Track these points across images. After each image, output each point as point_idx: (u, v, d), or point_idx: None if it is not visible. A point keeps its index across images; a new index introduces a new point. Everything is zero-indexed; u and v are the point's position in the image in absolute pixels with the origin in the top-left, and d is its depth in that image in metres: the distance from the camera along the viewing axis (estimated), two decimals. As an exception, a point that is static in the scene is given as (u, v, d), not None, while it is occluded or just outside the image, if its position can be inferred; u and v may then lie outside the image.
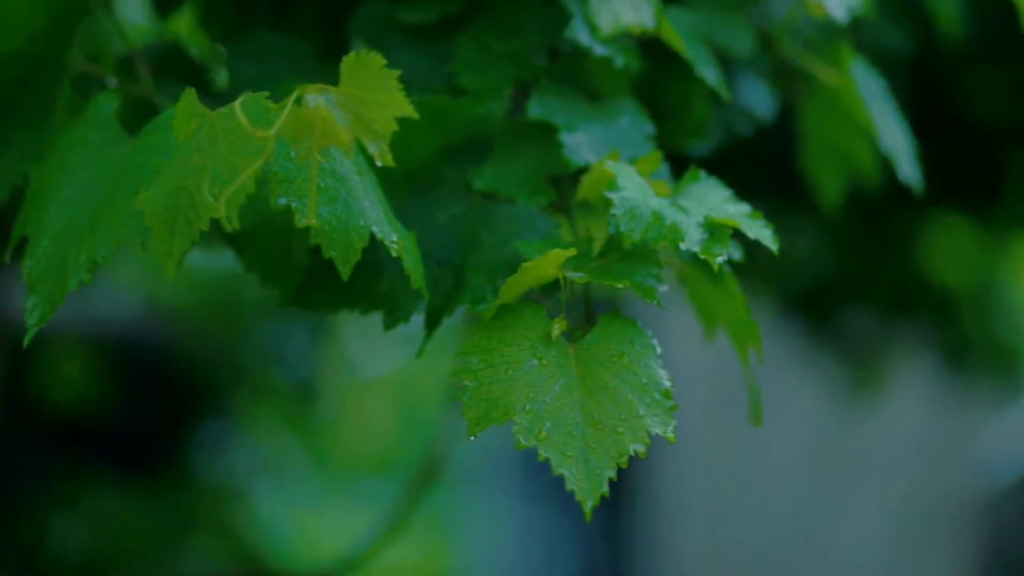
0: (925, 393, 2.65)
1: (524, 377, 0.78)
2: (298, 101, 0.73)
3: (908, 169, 1.05)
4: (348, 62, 0.73)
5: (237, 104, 0.73)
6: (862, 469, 3.27)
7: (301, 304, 0.86)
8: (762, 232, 0.83)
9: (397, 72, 0.73)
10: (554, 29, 0.91)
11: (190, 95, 0.75)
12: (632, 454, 0.78)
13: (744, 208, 0.85)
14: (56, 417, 2.40)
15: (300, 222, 0.74)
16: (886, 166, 1.40)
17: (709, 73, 0.93)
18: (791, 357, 2.07)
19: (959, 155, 1.52)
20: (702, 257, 0.80)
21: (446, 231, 0.87)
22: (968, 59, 1.37)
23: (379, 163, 0.75)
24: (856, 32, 1.21)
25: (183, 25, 1.04)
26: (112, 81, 0.89)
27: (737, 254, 0.86)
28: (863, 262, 1.71)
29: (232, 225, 0.73)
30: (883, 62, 1.31)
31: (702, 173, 0.86)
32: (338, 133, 0.73)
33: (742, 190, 1.40)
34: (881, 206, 1.53)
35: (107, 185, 0.80)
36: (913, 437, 3.23)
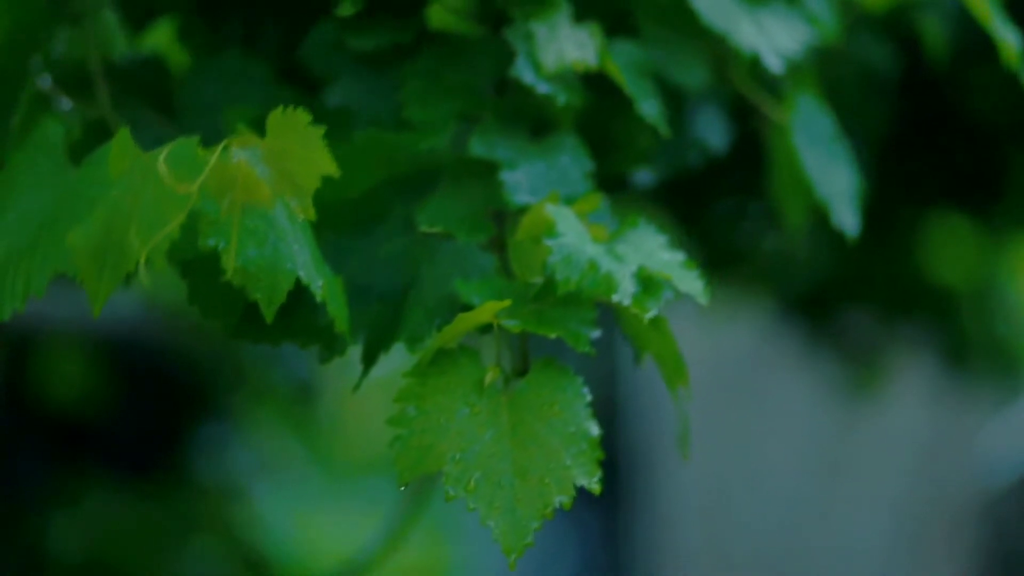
0: (925, 393, 2.65)
1: (456, 426, 0.78)
2: (224, 152, 0.73)
3: (844, 215, 1.05)
4: (275, 117, 0.74)
5: (162, 155, 0.73)
6: (862, 469, 3.27)
7: (242, 337, 0.86)
8: (693, 284, 0.83)
9: (322, 129, 0.74)
10: (502, 62, 0.91)
11: (124, 134, 0.75)
12: (557, 506, 0.78)
13: (679, 256, 0.85)
14: (55, 417, 2.40)
15: (226, 265, 0.75)
16: (884, 158, 1.41)
17: (649, 108, 0.93)
18: (791, 357, 2.07)
19: (959, 155, 1.51)
20: (634, 311, 0.80)
21: (387, 266, 0.87)
22: (966, 57, 1.37)
23: (301, 217, 0.76)
24: (842, 47, 1.22)
25: (162, 37, 1.04)
26: (67, 102, 0.89)
27: (671, 295, 0.86)
28: (863, 262, 1.71)
29: (159, 268, 0.75)
30: (873, 70, 1.31)
31: (641, 219, 0.86)
32: (259, 189, 0.74)
33: (744, 189, 1.41)
34: (881, 206, 1.53)
35: (48, 214, 0.80)
36: (913, 437, 3.23)
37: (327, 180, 0.82)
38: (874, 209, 1.46)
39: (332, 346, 0.85)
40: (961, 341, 1.82)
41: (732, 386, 3.17)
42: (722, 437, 3.20)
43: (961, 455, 3.18)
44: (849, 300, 1.83)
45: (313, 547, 2.86)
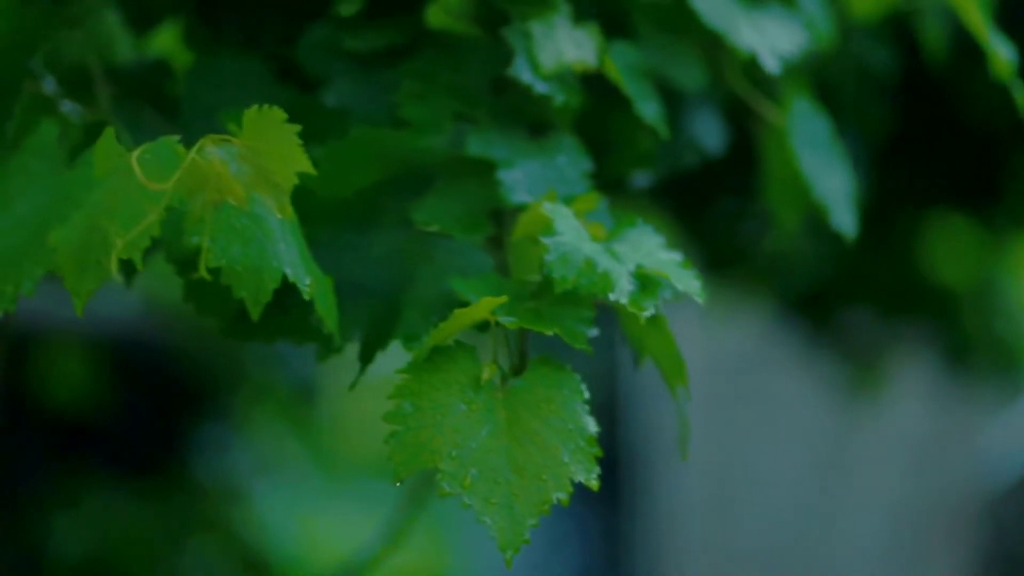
0: (925, 393, 2.65)
1: (451, 422, 0.78)
2: (200, 150, 0.73)
3: (841, 217, 1.05)
4: (250, 114, 0.74)
5: (135, 154, 0.73)
6: (862, 469, 3.27)
7: (237, 335, 0.86)
8: (691, 284, 0.83)
9: (298, 127, 0.73)
10: (499, 62, 0.91)
11: (109, 134, 0.75)
12: (555, 502, 0.77)
13: (675, 256, 0.85)
14: (55, 417, 2.40)
15: (210, 262, 0.74)
16: (884, 159, 1.41)
17: (648, 110, 0.93)
18: (791, 358, 2.07)
19: (959, 156, 1.51)
20: (631, 310, 0.80)
21: (383, 264, 0.87)
22: (965, 58, 1.37)
23: (279, 216, 0.75)
24: (842, 50, 1.22)
25: (168, 40, 1.04)
26: (66, 104, 0.89)
27: (669, 295, 0.86)
28: (863, 262, 1.71)
29: (139, 267, 0.74)
30: (872, 73, 1.31)
31: (638, 219, 0.86)
32: (232, 187, 0.74)
33: (743, 189, 1.40)
34: (881, 206, 1.53)
35: (39, 216, 0.80)
36: (913, 437, 3.23)
37: (322, 177, 0.82)
38: (874, 209, 1.47)
39: (328, 344, 0.85)
40: (961, 341, 1.82)
41: (732, 386, 3.17)
42: (722, 437, 3.20)
43: (961, 455, 3.18)
44: (849, 300, 1.83)
45: (313, 547, 2.86)
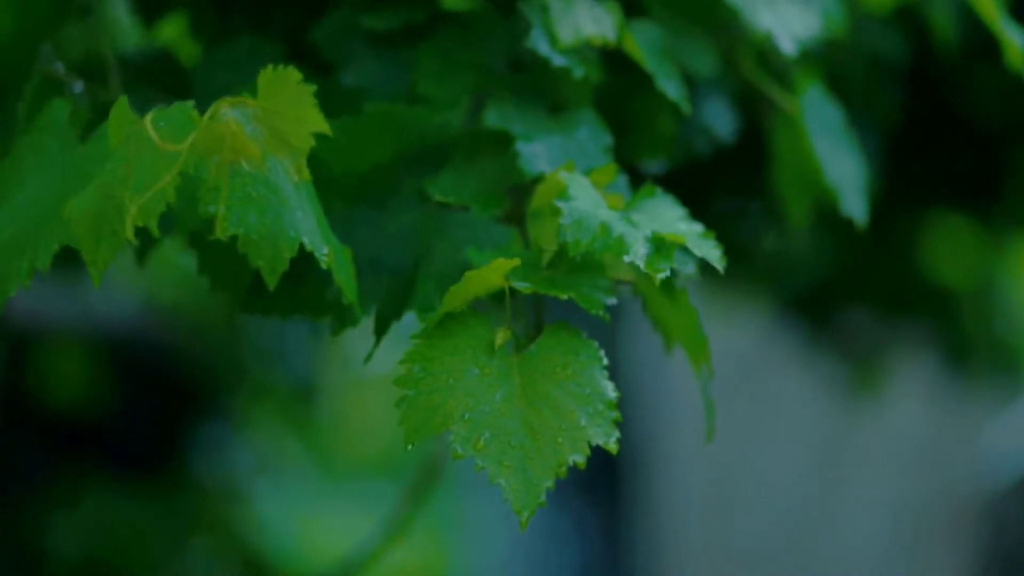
0: (925, 393, 2.65)
1: (464, 386, 0.78)
2: (214, 115, 0.72)
3: (853, 203, 1.04)
4: (265, 76, 0.73)
5: (149, 117, 0.72)
6: (862, 469, 3.27)
7: (252, 310, 0.86)
8: (711, 252, 0.83)
9: (313, 87, 0.73)
10: (518, 39, 0.91)
11: (122, 103, 0.74)
12: (571, 464, 0.77)
13: (696, 227, 0.84)
14: (55, 417, 2.40)
15: (226, 231, 0.74)
16: (886, 159, 1.41)
17: (670, 87, 0.93)
18: (791, 357, 2.07)
19: (959, 155, 1.51)
20: (645, 271, 0.79)
21: (399, 239, 0.87)
22: (968, 58, 1.37)
23: (295, 178, 0.75)
24: (851, 40, 1.22)
25: (173, 31, 1.04)
26: (78, 85, 0.89)
27: (690, 268, 0.86)
28: (863, 262, 1.71)
29: (154, 234, 0.73)
30: (880, 66, 1.31)
31: (658, 190, 0.86)
32: (248, 148, 0.73)
33: (745, 188, 1.40)
34: (881, 206, 1.53)
35: (54, 192, 0.79)
36: (913, 437, 3.23)
37: (338, 152, 0.81)
38: (875, 209, 1.46)
39: (343, 318, 0.85)
40: (961, 341, 1.82)
41: (732, 385, 3.17)
42: (722, 436, 3.20)
43: (961, 455, 3.18)
44: (849, 300, 1.83)
45: (313, 547, 2.86)
